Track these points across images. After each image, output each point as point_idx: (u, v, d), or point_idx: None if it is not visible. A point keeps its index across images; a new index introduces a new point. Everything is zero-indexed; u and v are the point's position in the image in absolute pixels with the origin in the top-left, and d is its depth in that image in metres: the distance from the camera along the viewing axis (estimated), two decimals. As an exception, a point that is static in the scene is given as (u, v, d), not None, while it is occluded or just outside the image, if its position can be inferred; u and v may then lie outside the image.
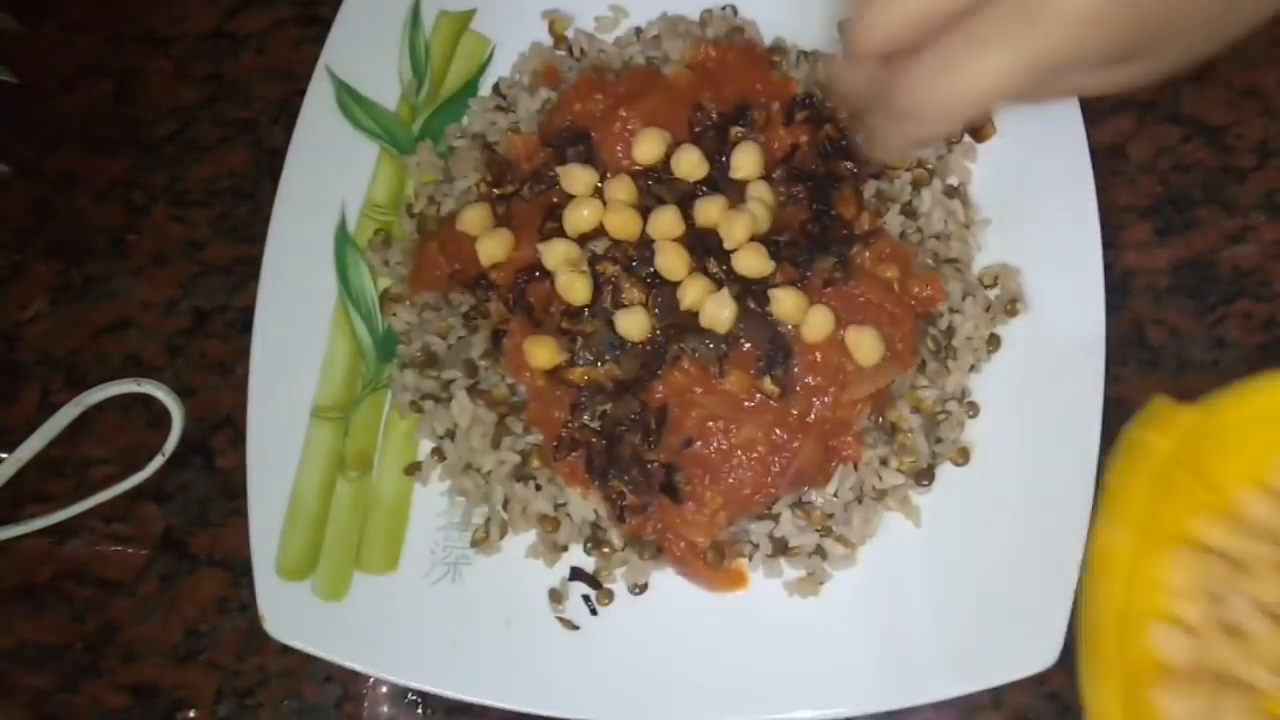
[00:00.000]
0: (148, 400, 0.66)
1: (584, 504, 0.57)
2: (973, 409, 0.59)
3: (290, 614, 0.56)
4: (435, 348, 0.60)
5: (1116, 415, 0.53)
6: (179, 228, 0.70)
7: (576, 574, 0.58)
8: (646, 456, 0.55)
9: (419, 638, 0.56)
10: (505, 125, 0.64)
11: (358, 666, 0.56)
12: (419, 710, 0.60)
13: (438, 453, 0.60)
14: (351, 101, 0.65)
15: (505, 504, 0.58)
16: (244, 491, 0.61)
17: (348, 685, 0.60)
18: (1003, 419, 0.59)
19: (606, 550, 0.57)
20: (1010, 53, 0.42)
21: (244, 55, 0.74)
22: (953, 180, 0.64)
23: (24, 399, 0.66)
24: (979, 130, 0.65)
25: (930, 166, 0.63)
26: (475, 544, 0.58)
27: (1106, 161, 0.66)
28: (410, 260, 0.63)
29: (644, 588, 0.57)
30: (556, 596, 0.57)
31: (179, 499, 0.64)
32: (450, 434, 0.59)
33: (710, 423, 0.55)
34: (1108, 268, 0.59)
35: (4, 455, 0.64)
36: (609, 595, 0.57)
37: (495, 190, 0.60)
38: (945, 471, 0.58)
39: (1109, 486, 0.49)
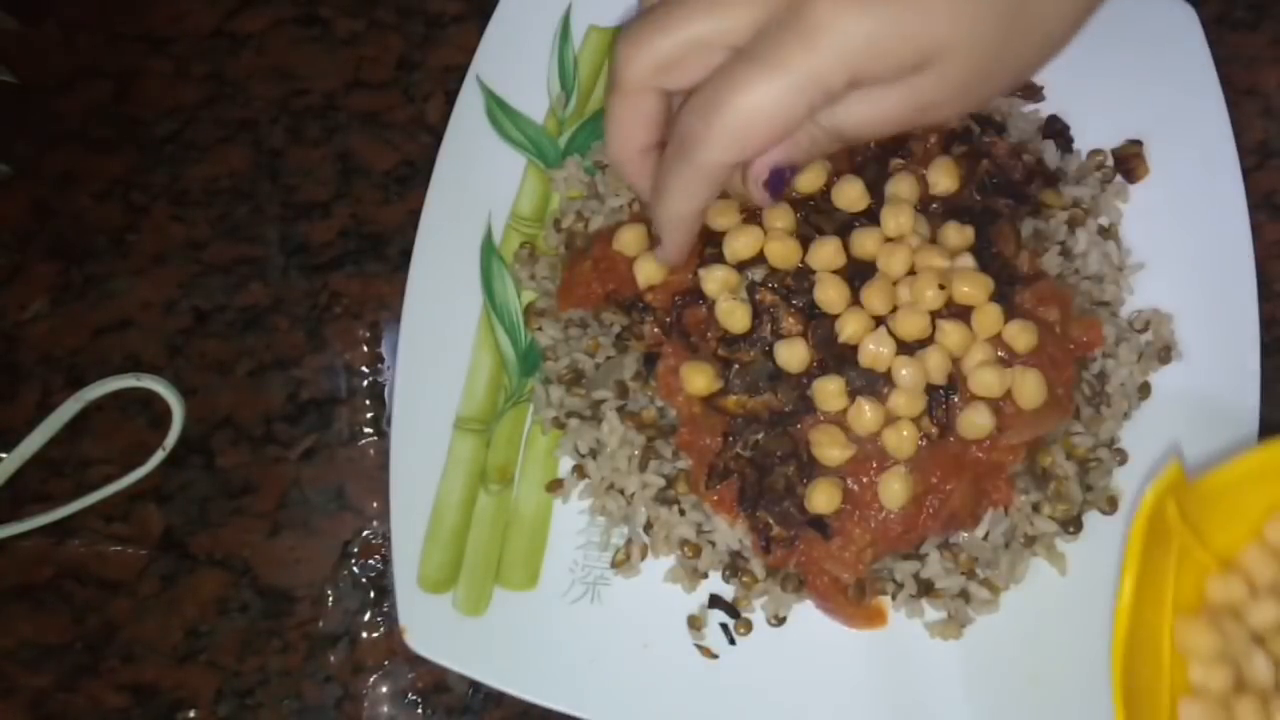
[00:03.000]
0: (147, 400, 0.66)
1: (730, 532, 0.56)
2: (1121, 456, 0.59)
3: (431, 627, 0.56)
4: (583, 365, 0.60)
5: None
6: (179, 228, 0.70)
7: (716, 602, 0.57)
8: (799, 489, 0.55)
9: (558, 657, 0.56)
10: (655, 144, 0.64)
11: (498, 685, 0.55)
12: (419, 710, 0.60)
13: (579, 470, 0.60)
14: (500, 113, 0.65)
15: (648, 527, 0.58)
16: (244, 492, 0.62)
17: (348, 685, 0.60)
18: (1153, 467, 0.58)
19: (746, 579, 0.57)
20: (789, 76, 0.43)
21: (244, 55, 0.74)
22: (1104, 220, 0.63)
23: (24, 399, 0.66)
24: (1132, 169, 0.64)
25: (1085, 206, 0.62)
26: (615, 566, 0.58)
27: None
28: (556, 275, 0.63)
29: (783, 619, 0.57)
30: (695, 623, 0.57)
31: (179, 499, 0.64)
32: (593, 452, 0.59)
33: (864, 459, 0.55)
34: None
35: (3, 455, 0.64)
36: (748, 625, 0.57)
37: (651, 210, 0.60)
38: (1092, 519, 0.58)
39: (1127, 558, 0.47)
